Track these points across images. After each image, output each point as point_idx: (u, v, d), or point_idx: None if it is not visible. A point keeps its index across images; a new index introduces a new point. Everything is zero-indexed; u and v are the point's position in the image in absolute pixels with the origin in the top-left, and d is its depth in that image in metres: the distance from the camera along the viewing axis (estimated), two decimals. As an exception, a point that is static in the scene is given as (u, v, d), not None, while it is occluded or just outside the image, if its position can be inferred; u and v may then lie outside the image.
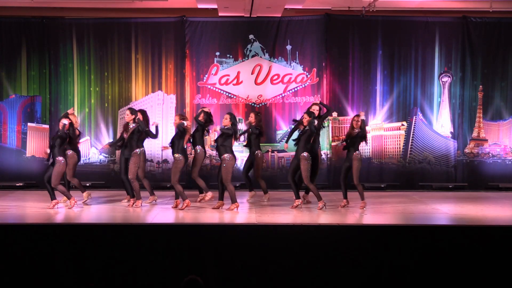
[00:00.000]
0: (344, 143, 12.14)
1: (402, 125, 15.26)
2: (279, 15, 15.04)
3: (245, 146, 13.10)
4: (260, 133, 12.78)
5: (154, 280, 9.29)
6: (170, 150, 12.32)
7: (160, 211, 11.78)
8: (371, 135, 15.14)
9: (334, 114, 15.08)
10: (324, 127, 12.92)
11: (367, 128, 15.05)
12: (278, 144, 15.13)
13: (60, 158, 11.73)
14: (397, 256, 9.59)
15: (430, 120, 15.27)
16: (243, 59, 15.26)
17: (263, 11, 14.72)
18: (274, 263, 9.47)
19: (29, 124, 15.32)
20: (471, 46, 15.23)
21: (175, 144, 11.82)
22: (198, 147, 12.35)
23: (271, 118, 15.20)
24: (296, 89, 15.24)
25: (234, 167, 12.59)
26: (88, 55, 15.28)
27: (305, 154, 11.76)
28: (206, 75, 15.22)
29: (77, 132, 12.58)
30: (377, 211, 12.04)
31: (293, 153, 12.46)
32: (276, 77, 15.23)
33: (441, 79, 15.26)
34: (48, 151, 11.97)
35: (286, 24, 15.19)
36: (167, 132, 14.71)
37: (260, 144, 12.90)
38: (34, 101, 15.32)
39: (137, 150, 12.11)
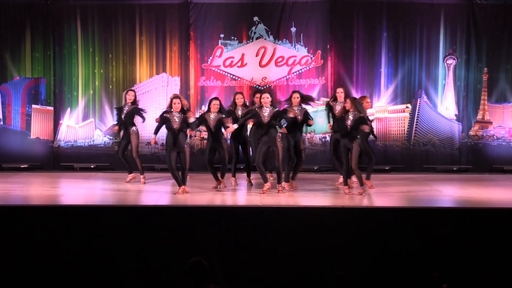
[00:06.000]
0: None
1: (407, 107, 15.22)
2: (284, -3, 14.99)
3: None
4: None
5: (159, 262, 9.32)
6: None
7: (164, 193, 11.80)
8: (376, 116, 15.10)
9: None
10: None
11: (372, 110, 15.03)
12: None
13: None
14: (401, 238, 9.61)
15: (435, 103, 15.22)
16: (248, 41, 15.21)
17: (268, -7, 14.68)
18: (278, 245, 9.50)
19: (33, 106, 15.32)
20: (476, 28, 15.14)
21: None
22: None
23: (275, 101, 15.11)
24: (300, 71, 15.20)
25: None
26: (93, 37, 15.24)
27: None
28: (211, 57, 15.19)
29: (190, 115, 11.79)
30: (381, 193, 12.05)
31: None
32: (280, 59, 15.18)
33: (446, 61, 15.20)
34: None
35: (291, 6, 15.11)
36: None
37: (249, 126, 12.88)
38: (39, 83, 15.32)
39: (134, 128, 12.93)
